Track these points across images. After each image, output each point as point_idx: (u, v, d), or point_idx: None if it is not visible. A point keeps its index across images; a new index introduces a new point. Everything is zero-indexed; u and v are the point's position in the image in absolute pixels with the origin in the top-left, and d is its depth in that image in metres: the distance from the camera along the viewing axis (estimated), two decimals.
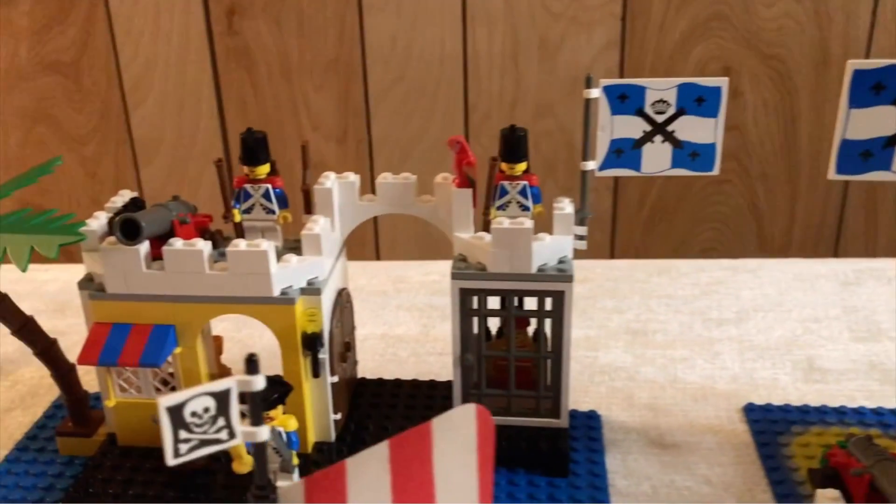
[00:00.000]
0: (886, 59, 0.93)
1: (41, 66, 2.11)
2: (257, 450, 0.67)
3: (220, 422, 0.62)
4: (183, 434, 0.61)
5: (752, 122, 2.06)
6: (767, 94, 2.03)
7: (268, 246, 1.00)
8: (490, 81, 2.06)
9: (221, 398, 0.61)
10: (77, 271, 1.06)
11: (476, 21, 2.02)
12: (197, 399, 0.61)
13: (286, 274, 1.02)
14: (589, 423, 1.17)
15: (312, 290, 1.03)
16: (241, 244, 1.00)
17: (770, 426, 1.16)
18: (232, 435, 0.63)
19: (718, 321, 1.35)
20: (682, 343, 1.31)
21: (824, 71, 1.98)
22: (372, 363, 1.28)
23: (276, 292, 1.02)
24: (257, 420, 0.65)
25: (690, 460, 1.10)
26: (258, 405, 0.65)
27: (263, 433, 0.65)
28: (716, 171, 1.08)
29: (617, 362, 1.27)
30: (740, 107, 2.05)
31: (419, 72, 2.06)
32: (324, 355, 1.06)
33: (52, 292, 1.53)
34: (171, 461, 0.61)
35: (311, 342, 1.04)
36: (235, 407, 0.63)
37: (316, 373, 1.06)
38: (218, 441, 0.63)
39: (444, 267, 1.60)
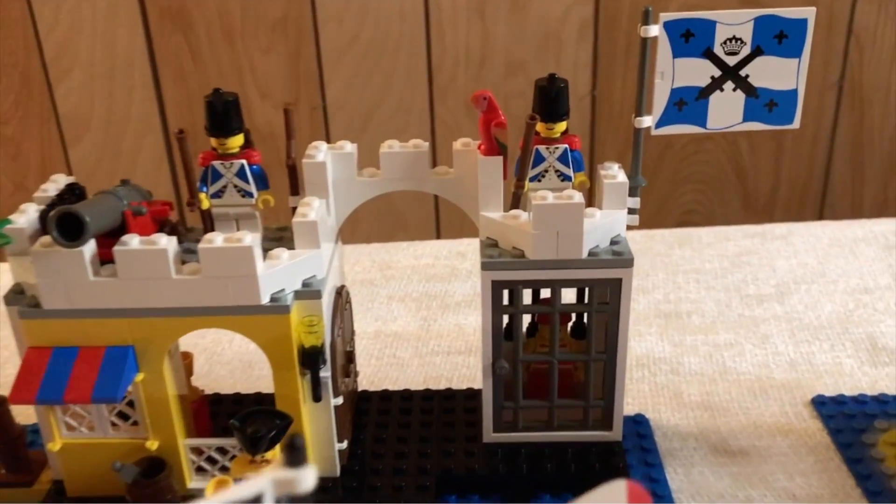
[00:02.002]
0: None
1: None
2: None
3: None
4: None
5: None
6: None
7: (251, 239, 0.73)
8: (455, 37, 1.80)
9: None
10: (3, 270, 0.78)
11: None
12: None
13: (277, 274, 0.76)
14: (638, 429, 0.94)
15: (310, 292, 0.77)
16: (216, 239, 0.74)
17: (847, 422, 0.94)
18: None
19: (758, 297, 1.13)
20: (723, 325, 1.08)
21: None
22: (369, 369, 1.02)
23: (266, 298, 0.75)
24: None
25: (765, 470, 0.87)
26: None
27: None
28: (796, 124, 0.85)
29: (655, 352, 1.04)
30: None
31: (377, 29, 1.79)
32: (326, 373, 0.80)
33: None
34: None
35: (312, 358, 0.78)
36: None
37: (317, 395, 0.80)
38: None
39: (436, 248, 1.32)
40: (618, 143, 1.87)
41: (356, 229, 1.86)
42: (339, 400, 0.83)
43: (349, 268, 1.22)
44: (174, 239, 0.75)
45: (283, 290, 0.77)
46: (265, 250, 0.77)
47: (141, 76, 1.82)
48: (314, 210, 0.79)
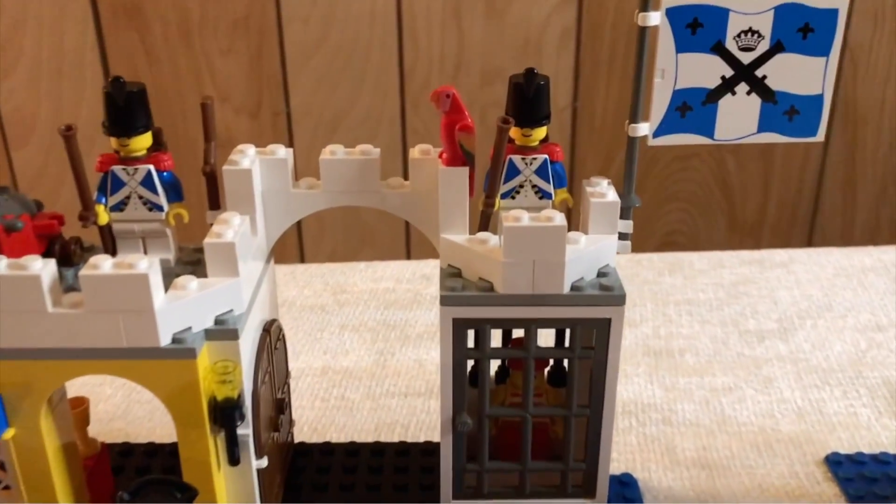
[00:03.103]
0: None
1: None
2: None
3: None
4: None
5: None
6: None
7: (147, 265, 0.56)
8: (429, 42, 1.64)
9: None
10: None
11: None
12: None
13: (181, 309, 0.58)
14: (625, 492, 0.77)
15: (224, 331, 0.60)
16: (103, 264, 0.56)
17: (868, 486, 0.78)
18: None
19: (759, 334, 0.97)
20: (720, 366, 0.91)
21: None
22: (311, 413, 0.85)
23: (166, 339, 0.58)
24: None
25: None
26: None
27: None
28: (820, 137, 0.68)
29: (643, 397, 0.87)
30: None
31: (345, 31, 1.63)
32: (246, 430, 0.62)
33: None
34: None
35: (227, 413, 0.61)
36: None
37: (234, 458, 0.62)
38: None
39: (398, 269, 1.14)
40: (599, 158, 1.71)
41: (319, 244, 1.69)
42: (264, 462, 0.65)
43: (297, 291, 1.05)
44: (51, 262, 0.58)
45: (188, 328, 0.59)
46: (170, 278, 0.60)
47: (91, 75, 1.64)
48: (233, 229, 0.61)
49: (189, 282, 0.60)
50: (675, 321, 0.99)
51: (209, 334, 0.60)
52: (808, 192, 1.80)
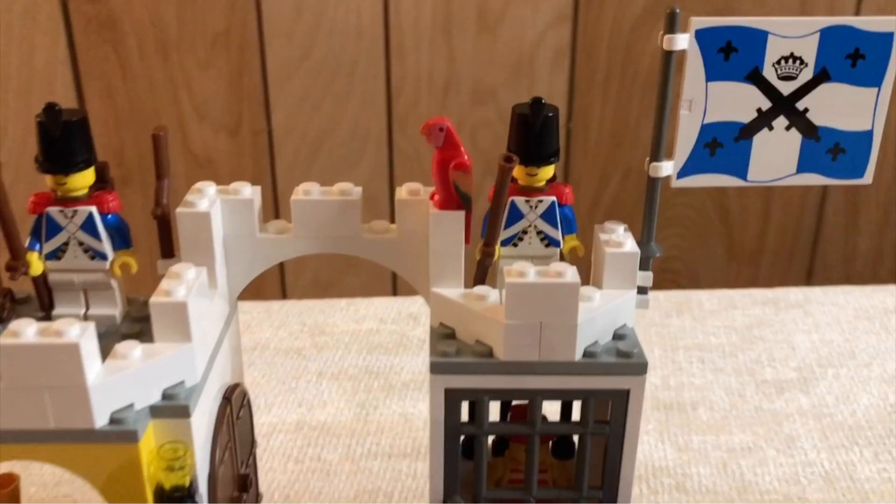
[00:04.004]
0: None
1: None
2: None
3: None
4: None
5: None
6: None
7: (80, 331, 0.45)
8: (417, 59, 1.54)
9: None
10: None
11: None
12: None
13: (121, 383, 0.48)
14: None
15: (174, 408, 0.49)
16: (25, 329, 0.45)
17: None
18: None
19: (777, 384, 0.87)
20: (737, 422, 0.81)
21: None
22: (283, 477, 0.74)
23: (101, 420, 0.48)
24: None
25: None
26: None
27: None
28: (867, 179, 0.59)
29: (654, 459, 0.76)
30: None
31: (330, 47, 1.52)
32: None
33: None
34: None
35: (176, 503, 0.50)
36: None
37: None
38: None
39: (382, 308, 1.04)
40: (594, 181, 1.61)
41: (298, 275, 1.58)
42: None
43: (272, 332, 0.94)
44: None
45: (130, 405, 0.49)
46: (122, 335, 0.49)
47: (63, 90, 1.53)
48: (185, 285, 0.51)
49: (131, 349, 0.49)
50: (686, 369, 0.89)
51: (155, 412, 0.50)
52: (810, 217, 1.70)
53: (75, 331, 0.46)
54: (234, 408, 0.58)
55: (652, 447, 0.80)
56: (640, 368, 0.54)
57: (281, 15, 1.50)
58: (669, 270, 1.71)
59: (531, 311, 0.52)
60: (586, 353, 0.54)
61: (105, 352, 0.49)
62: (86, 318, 0.56)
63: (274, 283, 1.61)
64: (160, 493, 0.50)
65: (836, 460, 0.78)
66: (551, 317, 0.53)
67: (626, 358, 0.54)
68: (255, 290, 1.59)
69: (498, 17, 1.52)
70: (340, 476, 0.76)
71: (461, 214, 0.55)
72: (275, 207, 1.52)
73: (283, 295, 1.62)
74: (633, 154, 1.56)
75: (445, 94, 1.56)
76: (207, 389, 0.53)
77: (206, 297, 0.54)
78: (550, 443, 0.65)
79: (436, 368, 0.54)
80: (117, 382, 0.48)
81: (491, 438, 0.66)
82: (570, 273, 0.53)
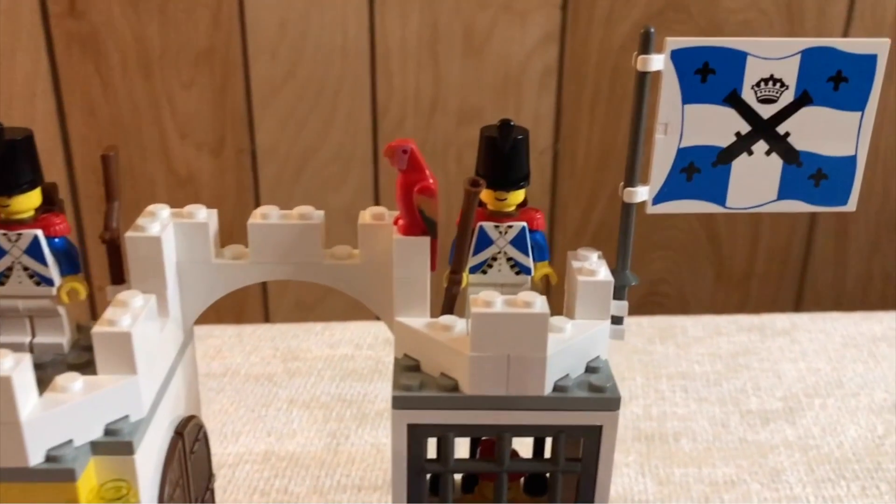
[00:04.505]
0: None
1: None
2: None
3: None
4: None
5: None
6: None
7: (13, 364, 0.42)
8: (403, 79, 1.52)
9: None
10: None
11: (386, 4, 1.48)
12: None
13: (59, 418, 0.45)
14: None
15: (116, 445, 0.46)
16: None
17: None
18: None
19: (762, 415, 0.84)
20: (721, 454, 0.78)
21: None
22: None
23: (36, 458, 0.44)
24: None
25: None
26: None
27: None
28: (851, 206, 0.56)
29: (634, 493, 0.73)
30: None
31: (315, 66, 1.50)
32: None
33: None
34: None
35: None
36: None
37: None
38: None
39: (358, 332, 1.00)
40: (580, 204, 1.59)
41: (281, 296, 1.55)
42: None
43: (243, 358, 0.91)
44: None
45: (68, 442, 0.45)
46: (69, 365, 0.46)
47: (43, 107, 1.51)
48: (130, 313, 0.48)
49: (72, 382, 0.46)
50: (669, 398, 0.86)
51: (96, 448, 0.47)
52: (799, 242, 1.68)
53: (8, 363, 0.43)
54: (187, 442, 0.55)
55: (632, 480, 0.76)
56: (614, 404, 0.51)
57: (266, 33, 1.47)
58: (657, 293, 1.69)
59: (498, 342, 0.50)
60: (557, 388, 0.52)
61: (49, 382, 0.46)
62: (31, 346, 0.53)
63: (256, 306, 1.58)
64: None
65: (823, 495, 0.75)
66: (519, 349, 0.50)
67: (598, 392, 0.52)
68: (238, 313, 1.57)
69: (485, 37, 1.49)
70: None
71: (426, 240, 0.53)
72: None
73: (266, 318, 1.59)
74: (620, 176, 1.52)
75: (431, 114, 1.54)
76: (156, 423, 0.50)
77: (155, 325, 0.51)
78: (522, 480, 0.62)
79: (398, 403, 0.51)
80: (55, 417, 0.45)
81: (460, 476, 0.63)
82: (539, 303, 0.50)
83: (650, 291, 1.68)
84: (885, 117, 1.55)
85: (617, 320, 0.57)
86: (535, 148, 1.54)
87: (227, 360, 0.90)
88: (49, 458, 0.45)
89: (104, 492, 0.47)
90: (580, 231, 1.63)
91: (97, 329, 0.47)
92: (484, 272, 0.56)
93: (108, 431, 0.47)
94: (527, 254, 0.55)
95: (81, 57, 1.48)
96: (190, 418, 0.56)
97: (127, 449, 0.47)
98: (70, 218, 1.51)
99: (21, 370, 0.44)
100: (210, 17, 1.46)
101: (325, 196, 1.52)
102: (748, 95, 0.53)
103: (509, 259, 0.55)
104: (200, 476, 0.58)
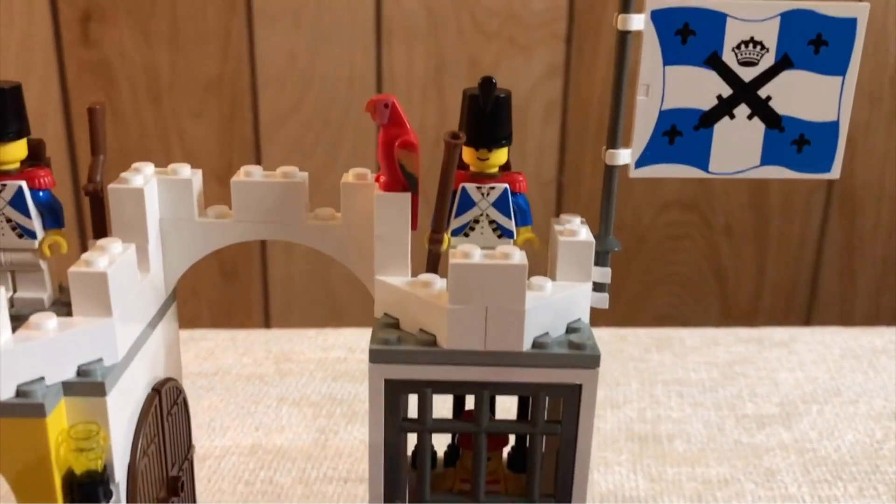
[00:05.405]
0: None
1: None
2: None
3: None
4: None
5: None
6: None
7: None
8: (409, 111, 1.50)
9: None
10: None
11: (393, 37, 1.50)
12: None
13: (31, 353, 0.45)
14: None
15: (88, 385, 0.46)
16: None
17: None
18: None
19: (758, 419, 0.82)
20: (715, 455, 0.77)
21: None
22: (231, 498, 0.70)
23: (7, 392, 0.44)
24: None
25: None
26: None
27: None
28: (835, 174, 0.56)
29: (625, 489, 0.72)
30: None
31: (321, 96, 1.53)
32: None
33: None
34: None
35: (86, 490, 0.46)
36: None
37: None
38: None
39: (352, 338, 0.99)
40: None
41: (288, 307, 1.55)
42: None
43: (235, 359, 0.90)
44: None
45: (40, 379, 0.45)
46: (20, 316, 0.46)
47: (53, 133, 1.53)
48: (108, 257, 0.48)
49: (46, 320, 0.46)
50: (664, 403, 0.85)
51: (68, 388, 0.46)
52: (805, 277, 1.67)
53: None
54: (165, 401, 0.54)
55: (623, 477, 0.75)
56: (593, 361, 0.51)
57: (274, 64, 1.50)
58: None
59: (476, 294, 0.49)
60: (535, 344, 0.51)
61: None
62: (12, 301, 0.54)
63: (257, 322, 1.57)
64: (70, 479, 0.47)
65: (818, 495, 0.74)
66: (497, 301, 0.49)
67: (578, 350, 0.51)
68: (245, 316, 1.56)
69: (490, 69, 1.51)
70: (291, 499, 0.71)
71: (407, 196, 0.53)
72: (262, 254, 1.50)
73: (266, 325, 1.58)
74: (624, 209, 1.53)
75: (437, 145, 1.55)
76: (131, 373, 0.50)
77: (133, 273, 0.51)
78: (506, 455, 0.61)
79: (375, 357, 0.51)
80: (27, 352, 0.45)
81: (443, 450, 0.62)
82: (518, 255, 0.50)
83: (656, 326, 1.66)
84: (890, 153, 1.55)
85: (600, 287, 0.57)
86: (539, 180, 1.55)
87: (220, 360, 0.90)
88: (20, 394, 0.45)
89: (73, 433, 0.46)
90: None
91: (73, 269, 0.48)
92: (466, 235, 0.56)
93: (81, 372, 0.47)
94: (509, 216, 0.55)
95: (93, 85, 1.51)
96: (168, 379, 0.56)
97: (99, 390, 0.47)
98: (73, 240, 1.53)
99: None
100: (220, 47, 1.49)
101: None
102: (729, 58, 0.53)
103: (491, 222, 0.55)
104: (179, 441, 0.58)
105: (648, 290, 1.66)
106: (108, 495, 0.48)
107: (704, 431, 0.82)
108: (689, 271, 1.66)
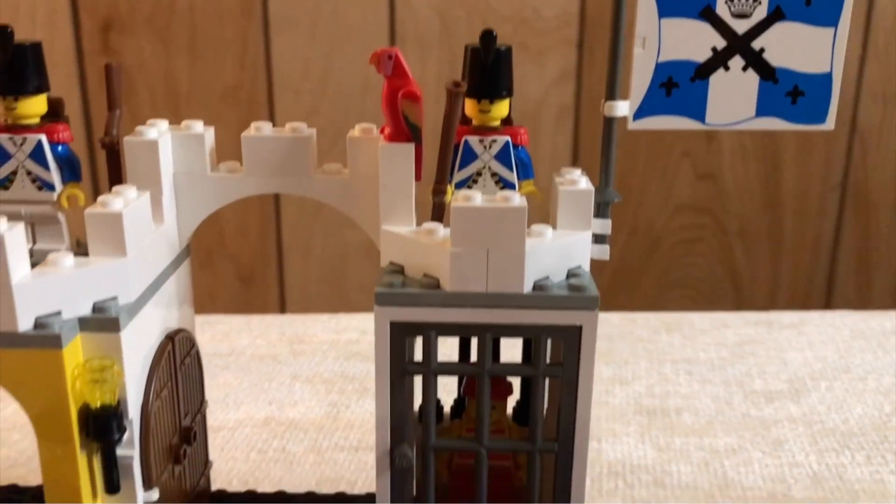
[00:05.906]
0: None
1: None
2: None
3: None
4: None
5: (728, 170, 1.59)
6: (746, 137, 1.57)
7: (6, 226, 0.45)
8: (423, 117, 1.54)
9: None
10: None
11: (407, 44, 1.52)
12: None
13: (49, 287, 0.47)
14: None
15: (103, 321, 0.48)
16: None
17: None
18: None
19: (767, 394, 0.83)
20: (723, 426, 0.77)
21: None
22: (244, 466, 0.71)
23: (25, 324, 0.46)
24: None
25: None
26: None
27: None
28: (829, 125, 0.57)
29: (633, 457, 0.73)
30: (715, 152, 1.58)
31: (337, 103, 1.55)
32: (130, 451, 0.49)
33: None
34: None
35: (101, 423, 0.48)
36: None
37: (112, 484, 0.49)
38: None
39: (365, 321, 0.99)
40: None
41: (304, 293, 1.56)
42: (154, 494, 0.52)
43: (249, 340, 0.92)
44: None
45: (57, 312, 0.47)
46: (39, 257, 0.48)
47: (74, 142, 1.56)
48: (123, 199, 0.50)
49: (64, 258, 0.48)
50: (673, 380, 0.86)
51: (84, 324, 0.48)
52: (820, 281, 1.67)
53: (2, 225, 0.46)
54: (178, 350, 0.56)
55: (631, 447, 0.76)
56: (592, 302, 0.52)
57: (290, 72, 1.53)
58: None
59: (477, 236, 0.51)
60: (536, 287, 0.52)
61: None
62: (31, 252, 0.56)
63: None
64: (86, 412, 0.48)
65: (826, 462, 0.74)
66: (498, 244, 0.51)
67: (577, 292, 0.52)
68: (262, 305, 1.57)
69: None
70: (303, 466, 0.73)
71: (410, 147, 0.55)
72: (278, 260, 1.53)
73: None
74: (638, 213, 1.54)
75: None
76: (145, 316, 0.52)
77: (147, 218, 0.53)
78: (512, 409, 0.62)
79: (381, 300, 0.53)
80: (45, 286, 0.47)
81: (449, 406, 0.63)
82: (518, 199, 0.51)
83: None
84: None
85: (601, 239, 0.58)
86: (553, 184, 1.57)
87: (235, 342, 0.92)
88: (38, 326, 0.47)
89: (89, 365, 0.48)
90: (601, 267, 1.64)
91: (90, 210, 0.50)
92: (469, 187, 0.57)
93: (97, 309, 0.49)
94: (511, 169, 0.57)
95: None
96: (181, 330, 0.58)
97: (113, 326, 0.49)
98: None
99: (15, 233, 0.46)
100: (237, 56, 1.53)
101: (343, 231, 1.55)
102: (722, 10, 0.55)
103: (494, 174, 0.57)
104: (192, 392, 0.59)
105: (662, 293, 1.67)
106: (122, 430, 0.49)
107: (713, 405, 0.82)
108: (704, 274, 1.66)
